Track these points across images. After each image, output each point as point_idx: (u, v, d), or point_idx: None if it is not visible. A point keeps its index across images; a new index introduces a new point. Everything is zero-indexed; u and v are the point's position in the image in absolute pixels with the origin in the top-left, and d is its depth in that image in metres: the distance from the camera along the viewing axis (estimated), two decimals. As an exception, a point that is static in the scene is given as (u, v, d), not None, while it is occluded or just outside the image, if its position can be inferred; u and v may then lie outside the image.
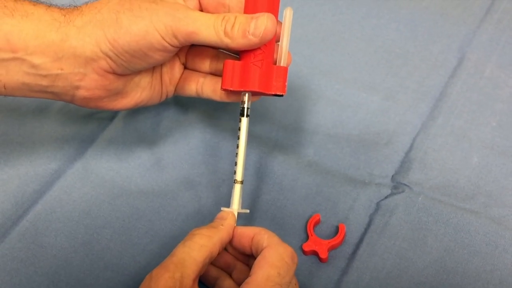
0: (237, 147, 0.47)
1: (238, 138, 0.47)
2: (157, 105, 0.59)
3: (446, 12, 0.66)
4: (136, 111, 0.59)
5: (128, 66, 0.45)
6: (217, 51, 0.51)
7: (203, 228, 0.44)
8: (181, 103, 0.60)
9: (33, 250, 0.50)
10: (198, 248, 0.42)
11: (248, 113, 0.48)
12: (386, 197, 0.52)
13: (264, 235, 0.44)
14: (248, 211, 0.48)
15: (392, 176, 0.54)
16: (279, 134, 0.57)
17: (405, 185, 0.53)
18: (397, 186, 0.53)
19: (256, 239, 0.44)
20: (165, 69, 0.50)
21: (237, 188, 0.47)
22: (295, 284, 0.44)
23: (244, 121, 0.47)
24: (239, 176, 0.47)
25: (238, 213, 0.47)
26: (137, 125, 0.58)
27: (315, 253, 0.49)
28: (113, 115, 0.59)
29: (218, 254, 0.44)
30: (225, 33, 0.44)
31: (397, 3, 0.68)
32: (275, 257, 0.42)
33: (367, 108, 0.59)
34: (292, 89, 0.60)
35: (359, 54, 0.63)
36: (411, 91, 0.60)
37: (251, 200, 0.53)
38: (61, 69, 0.44)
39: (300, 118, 0.58)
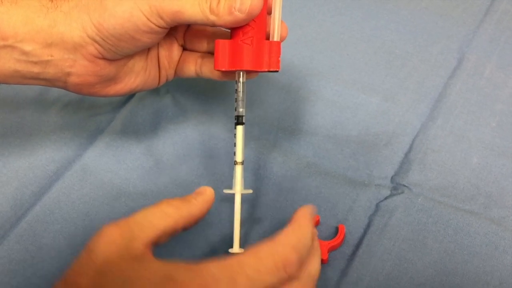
0: (235, 127, 0.47)
1: (235, 126, 0.47)
2: (156, 107, 0.59)
3: (445, 13, 0.66)
4: (134, 113, 0.59)
5: (117, 50, 0.44)
6: (215, 29, 0.50)
7: (175, 199, 0.41)
8: (180, 104, 0.60)
9: (31, 251, 0.50)
10: (160, 215, 0.39)
11: (243, 121, 0.47)
12: (385, 198, 0.52)
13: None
14: (251, 191, 0.48)
15: (392, 177, 0.54)
16: (278, 135, 0.57)
17: (405, 186, 0.53)
18: (396, 187, 0.53)
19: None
20: (163, 53, 0.50)
21: (238, 169, 0.46)
22: None
23: (239, 128, 0.47)
24: (239, 157, 0.46)
25: (242, 195, 0.46)
26: (136, 127, 0.58)
27: (314, 255, 0.49)
28: (111, 117, 0.59)
29: (187, 229, 0.41)
30: (211, 10, 0.43)
31: (397, 4, 0.68)
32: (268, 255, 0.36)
33: (366, 109, 0.59)
34: (291, 90, 0.60)
35: (359, 55, 0.63)
36: (411, 92, 0.60)
37: (250, 201, 0.53)
38: (51, 55, 0.43)
39: (299, 119, 0.58)
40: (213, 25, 0.44)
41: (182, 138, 0.57)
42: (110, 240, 0.37)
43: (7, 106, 0.59)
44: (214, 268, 0.35)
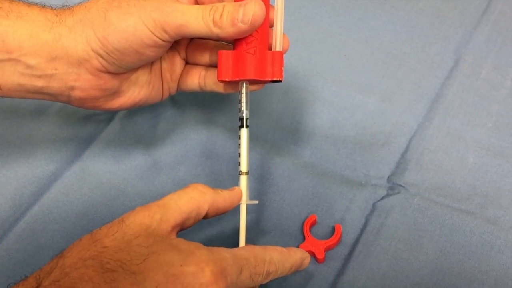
0: (239, 138, 0.47)
1: (240, 132, 0.47)
2: (155, 107, 0.59)
3: (442, 14, 0.67)
4: (133, 113, 0.59)
5: (121, 64, 0.45)
6: (217, 43, 0.50)
7: (202, 184, 0.44)
8: (179, 105, 0.60)
9: (30, 251, 0.50)
10: (187, 199, 0.41)
11: (248, 124, 0.47)
12: (382, 198, 0.53)
13: None
14: (257, 202, 0.48)
15: (388, 177, 0.54)
16: (276, 135, 0.57)
17: (401, 186, 0.53)
18: (393, 187, 0.53)
19: None
20: (165, 66, 0.50)
21: (243, 180, 0.46)
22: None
23: (244, 131, 0.47)
24: (243, 166, 0.46)
25: (247, 205, 0.46)
26: (134, 127, 0.58)
27: (311, 254, 0.49)
28: (110, 117, 0.59)
29: (208, 217, 0.43)
30: (214, 23, 0.43)
31: (394, 5, 0.68)
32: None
33: (363, 110, 0.59)
34: (289, 90, 0.61)
35: (356, 56, 0.64)
36: (408, 92, 0.60)
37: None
38: (56, 69, 0.44)
39: (296, 120, 0.58)
40: (217, 37, 0.44)
41: (181, 138, 0.57)
42: (140, 220, 0.39)
43: (6, 106, 0.60)
44: (228, 254, 0.39)
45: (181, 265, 0.36)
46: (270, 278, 0.42)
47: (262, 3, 0.44)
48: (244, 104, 0.47)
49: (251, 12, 0.43)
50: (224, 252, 0.39)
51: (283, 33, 0.47)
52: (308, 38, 0.66)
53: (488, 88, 0.60)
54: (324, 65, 0.63)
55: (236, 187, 0.46)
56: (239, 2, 0.44)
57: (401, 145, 0.56)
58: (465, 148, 0.55)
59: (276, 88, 0.60)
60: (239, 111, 0.47)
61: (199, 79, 0.51)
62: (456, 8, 0.67)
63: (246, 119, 0.47)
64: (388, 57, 0.63)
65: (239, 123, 0.47)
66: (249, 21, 0.43)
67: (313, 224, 0.51)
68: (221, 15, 0.43)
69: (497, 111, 0.58)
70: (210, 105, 0.59)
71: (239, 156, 0.47)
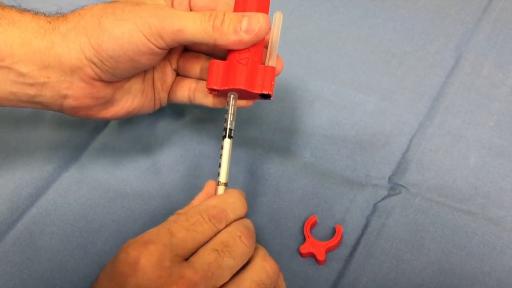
0: (222, 147, 0.46)
1: (223, 142, 0.46)
2: (153, 107, 0.59)
3: (443, 12, 0.66)
4: (131, 113, 0.58)
5: (114, 72, 0.44)
6: (209, 57, 0.50)
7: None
8: (177, 105, 0.59)
9: (27, 253, 0.50)
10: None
11: (232, 135, 0.46)
12: (383, 199, 0.52)
13: None
14: None
15: (389, 177, 0.54)
16: (275, 135, 0.57)
17: (402, 186, 0.53)
18: (394, 188, 0.53)
19: None
20: (157, 75, 0.50)
21: (221, 191, 0.45)
22: None
23: (227, 141, 0.46)
24: (223, 177, 0.45)
25: None
26: (133, 127, 0.58)
27: (312, 255, 0.49)
28: (108, 117, 0.58)
29: None
30: (214, 28, 0.42)
31: (394, 3, 0.67)
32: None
33: (363, 109, 0.58)
34: (288, 90, 0.60)
35: (356, 54, 0.63)
36: (408, 91, 0.60)
37: (247, 202, 0.52)
38: (48, 77, 0.43)
39: (296, 119, 0.58)
40: (215, 43, 0.43)
41: (179, 139, 0.57)
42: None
43: (4, 108, 0.59)
44: (154, 230, 0.39)
45: None
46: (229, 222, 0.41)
47: (268, 17, 0.43)
48: (230, 116, 0.46)
49: (257, 24, 0.43)
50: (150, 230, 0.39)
51: (278, 56, 0.46)
52: (307, 36, 0.65)
53: (489, 86, 0.59)
54: (324, 64, 0.63)
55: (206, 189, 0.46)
56: (242, 12, 0.44)
57: (402, 145, 0.56)
58: (467, 147, 0.55)
59: (276, 87, 0.60)
60: (225, 121, 0.46)
61: (189, 91, 0.50)
62: (457, 5, 0.66)
63: (231, 130, 0.46)
64: (388, 56, 0.63)
65: (223, 133, 0.46)
66: (255, 32, 0.43)
67: (313, 225, 0.51)
68: (222, 22, 0.43)
69: (498, 110, 0.57)
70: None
71: (219, 166, 0.45)
